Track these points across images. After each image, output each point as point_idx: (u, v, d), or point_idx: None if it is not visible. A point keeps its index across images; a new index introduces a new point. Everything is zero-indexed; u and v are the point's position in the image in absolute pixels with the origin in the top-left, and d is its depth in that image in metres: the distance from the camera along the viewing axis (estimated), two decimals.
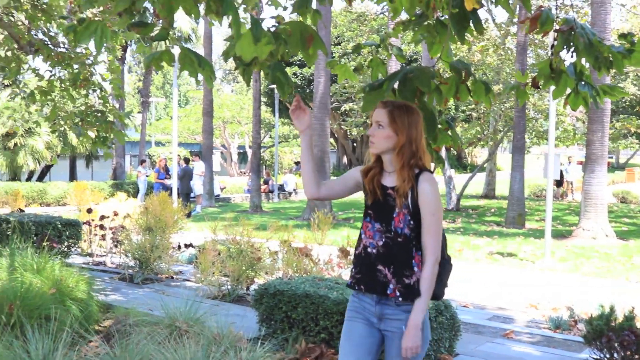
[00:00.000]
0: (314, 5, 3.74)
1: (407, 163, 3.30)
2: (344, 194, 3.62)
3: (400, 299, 3.29)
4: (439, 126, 4.35)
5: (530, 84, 4.54)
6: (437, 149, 4.38)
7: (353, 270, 3.48)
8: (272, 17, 3.24)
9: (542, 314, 8.64)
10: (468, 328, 7.47)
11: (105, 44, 2.57)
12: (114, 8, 2.37)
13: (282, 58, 3.37)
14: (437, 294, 3.42)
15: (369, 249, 3.38)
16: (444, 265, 3.42)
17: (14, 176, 28.00)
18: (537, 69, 4.34)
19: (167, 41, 3.48)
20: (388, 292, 3.31)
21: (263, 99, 30.74)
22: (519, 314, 8.75)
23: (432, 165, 4.46)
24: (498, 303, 9.48)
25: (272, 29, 3.16)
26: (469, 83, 4.25)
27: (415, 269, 3.29)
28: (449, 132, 4.42)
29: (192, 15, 2.87)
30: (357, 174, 3.53)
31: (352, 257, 3.91)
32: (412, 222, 3.29)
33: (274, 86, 3.42)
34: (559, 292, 10.30)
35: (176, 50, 3.61)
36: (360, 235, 3.46)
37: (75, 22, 2.59)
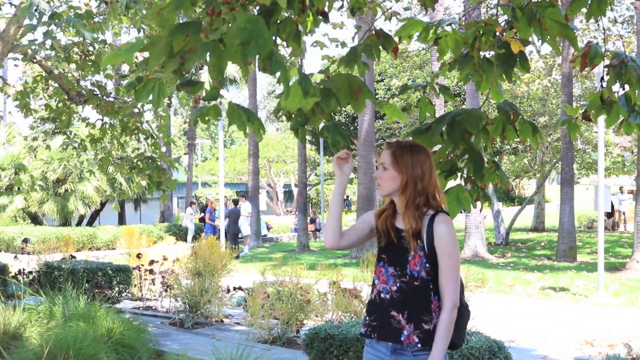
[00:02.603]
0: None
1: (411, 203, 3.22)
2: (361, 241, 3.54)
3: (419, 345, 3.17)
4: (486, 165, 4.31)
5: (580, 117, 4.50)
6: (483, 187, 4.34)
7: (367, 318, 3.37)
8: (321, 71, 3.26)
9: (598, 351, 8.44)
10: None
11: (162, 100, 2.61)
12: (165, 69, 2.40)
13: (332, 112, 3.38)
14: (456, 343, 3.30)
15: (382, 295, 3.29)
16: (462, 312, 3.31)
17: (65, 221, 28.41)
18: (586, 100, 4.30)
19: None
20: (402, 338, 3.20)
21: (308, 137, 30.98)
22: (574, 351, 8.56)
23: (479, 204, 4.42)
24: (552, 339, 9.29)
25: (322, 85, 3.18)
26: (516, 123, 4.22)
27: (433, 314, 3.18)
28: (496, 172, 4.38)
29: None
30: (370, 218, 3.46)
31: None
32: (427, 265, 3.20)
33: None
34: (614, 328, 10.07)
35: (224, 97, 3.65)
36: (373, 281, 3.38)
37: (135, 79, 2.65)
